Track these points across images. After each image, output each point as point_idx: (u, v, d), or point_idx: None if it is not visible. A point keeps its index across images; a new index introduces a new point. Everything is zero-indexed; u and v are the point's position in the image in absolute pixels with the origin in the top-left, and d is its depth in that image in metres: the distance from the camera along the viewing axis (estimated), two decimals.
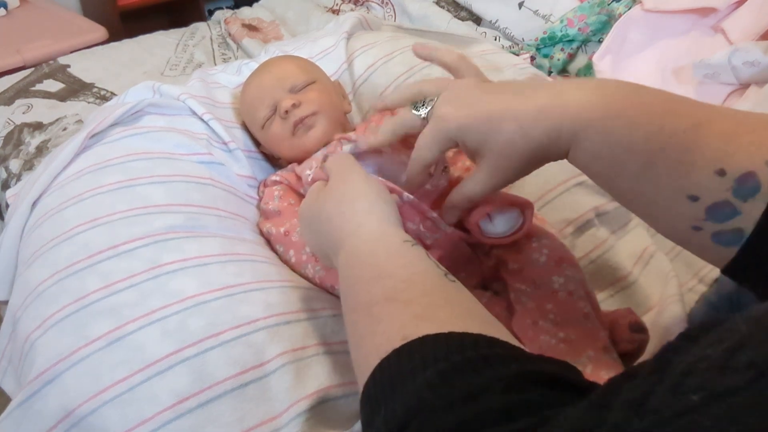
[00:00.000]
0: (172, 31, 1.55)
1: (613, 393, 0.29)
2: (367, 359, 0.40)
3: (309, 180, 0.70)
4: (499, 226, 0.61)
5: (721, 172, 0.41)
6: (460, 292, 0.44)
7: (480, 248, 0.66)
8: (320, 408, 0.56)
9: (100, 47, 1.52)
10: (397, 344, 0.38)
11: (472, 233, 0.61)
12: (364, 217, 0.51)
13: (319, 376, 0.57)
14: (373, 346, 0.40)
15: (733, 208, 0.41)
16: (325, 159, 0.71)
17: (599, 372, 0.53)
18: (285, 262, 0.72)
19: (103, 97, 1.23)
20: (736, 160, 0.41)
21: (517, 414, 0.31)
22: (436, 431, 0.32)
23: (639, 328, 0.61)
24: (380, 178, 0.59)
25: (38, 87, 1.27)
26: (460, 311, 0.41)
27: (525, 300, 0.61)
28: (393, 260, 0.46)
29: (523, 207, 0.61)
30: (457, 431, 0.32)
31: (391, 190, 0.59)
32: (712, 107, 0.45)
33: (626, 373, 0.32)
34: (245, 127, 0.88)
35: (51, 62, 1.37)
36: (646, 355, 0.62)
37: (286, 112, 0.79)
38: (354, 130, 0.86)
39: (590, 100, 0.48)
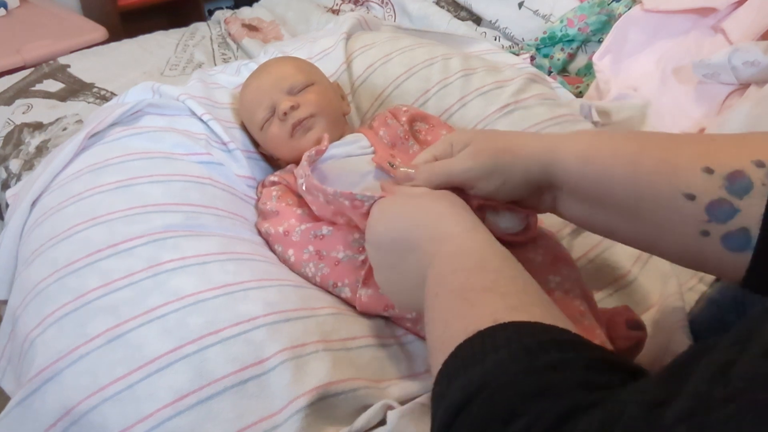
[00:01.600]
0: (172, 31, 1.55)
1: (687, 365, 0.30)
2: (452, 338, 0.40)
3: (303, 188, 0.70)
4: (504, 222, 0.61)
5: (708, 170, 0.43)
6: (552, 303, 0.45)
7: None
8: (319, 405, 0.56)
9: (100, 47, 1.53)
10: (487, 325, 0.38)
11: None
12: (470, 223, 0.51)
13: (318, 373, 0.57)
14: (461, 326, 0.40)
15: (731, 206, 0.42)
16: (311, 162, 0.71)
17: None
18: (284, 261, 0.72)
19: (103, 97, 1.23)
20: (720, 159, 0.43)
21: (596, 387, 0.32)
22: (515, 393, 0.33)
23: (636, 325, 0.61)
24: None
25: (38, 87, 1.27)
26: (553, 312, 0.41)
27: None
28: (499, 260, 0.46)
29: (528, 213, 0.61)
30: (537, 395, 0.32)
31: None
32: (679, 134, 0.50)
33: (698, 347, 0.32)
34: (244, 128, 0.88)
35: (51, 62, 1.37)
36: (645, 354, 0.62)
37: (285, 113, 0.79)
38: (353, 131, 0.86)
39: (566, 134, 0.54)
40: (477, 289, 0.43)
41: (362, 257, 0.67)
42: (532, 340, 0.36)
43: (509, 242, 0.62)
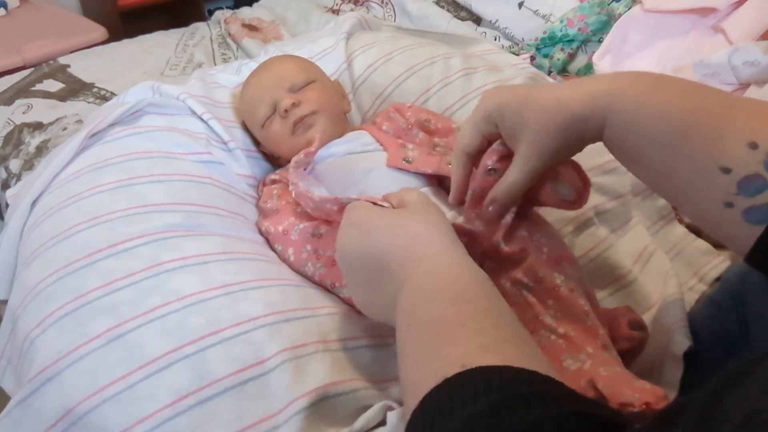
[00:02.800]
0: (172, 31, 1.55)
1: (670, 421, 0.29)
2: (422, 381, 0.39)
3: (294, 195, 0.70)
4: (563, 189, 0.60)
5: (753, 145, 0.43)
6: (527, 334, 0.44)
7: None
8: (319, 405, 0.56)
9: (100, 47, 1.53)
10: (455, 371, 0.37)
11: (541, 196, 0.61)
12: (447, 242, 0.50)
13: (319, 374, 0.57)
14: (430, 370, 0.39)
15: (764, 181, 0.42)
16: (298, 166, 0.71)
17: (598, 368, 0.53)
18: (284, 260, 0.72)
19: (103, 97, 1.23)
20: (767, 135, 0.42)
21: None
22: None
23: (638, 326, 0.61)
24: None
25: (38, 87, 1.27)
26: (525, 351, 0.41)
27: (526, 293, 0.61)
28: (474, 289, 0.46)
29: (586, 184, 0.60)
30: None
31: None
32: (732, 96, 0.47)
33: (661, 418, 0.31)
34: (245, 127, 0.88)
35: (51, 62, 1.37)
36: (645, 354, 0.62)
37: (286, 111, 0.79)
38: (354, 129, 0.86)
39: (624, 78, 0.50)
40: (450, 323, 0.42)
41: None
42: (500, 396, 0.34)
43: (559, 207, 0.62)
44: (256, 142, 0.87)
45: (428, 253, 0.48)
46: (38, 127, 1.13)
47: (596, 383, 0.51)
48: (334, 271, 0.68)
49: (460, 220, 0.70)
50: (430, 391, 0.37)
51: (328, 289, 0.69)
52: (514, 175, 0.55)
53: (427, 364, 0.40)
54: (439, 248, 0.49)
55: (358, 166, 0.77)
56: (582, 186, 0.60)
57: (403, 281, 0.48)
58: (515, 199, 0.59)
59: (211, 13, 2.03)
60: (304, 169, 0.73)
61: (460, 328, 0.41)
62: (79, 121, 1.13)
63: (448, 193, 0.79)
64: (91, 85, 1.27)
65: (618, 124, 0.48)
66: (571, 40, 1.26)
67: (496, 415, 0.33)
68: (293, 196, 0.69)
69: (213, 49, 1.47)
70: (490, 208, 0.60)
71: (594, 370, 0.53)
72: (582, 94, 0.50)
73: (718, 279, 0.74)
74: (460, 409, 0.35)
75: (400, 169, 0.76)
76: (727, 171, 0.44)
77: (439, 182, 0.80)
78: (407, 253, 0.49)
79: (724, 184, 0.44)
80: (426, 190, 0.76)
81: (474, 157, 0.60)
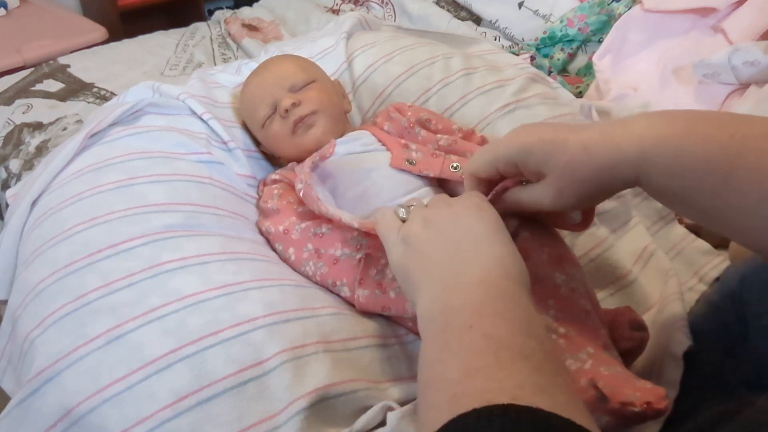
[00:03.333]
0: (172, 31, 1.55)
1: None
2: (465, 394, 0.38)
3: (300, 194, 0.70)
4: (576, 214, 0.61)
5: None
6: (575, 388, 0.43)
7: None
8: (319, 406, 0.56)
9: (100, 47, 1.53)
10: (505, 401, 0.36)
11: (551, 220, 0.62)
12: (517, 266, 0.49)
13: (318, 375, 0.57)
14: (477, 387, 0.39)
15: None
16: (314, 167, 0.71)
17: (598, 368, 0.53)
18: (285, 260, 0.72)
19: (103, 97, 1.23)
20: None
21: None
22: None
23: (639, 327, 0.61)
24: None
25: (38, 87, 1.27)
26: (575, 402, 0.39)
27: None
28: (541, 330, 0.45)
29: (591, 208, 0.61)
30: None
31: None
32: None
33: None
34: (245, 127, 0.88)
35: (51, 62, 1.37)
36: (645, 354, 0.62)
37: (286, 111, 0.79)
38: (354, 129, 0.86)
39: (652, 121, 0.48)
40: (514, 349, 0.41)
41: (359, 255, 0.67)
42: None
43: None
44: (256, 142, 0.87)
45: (510, 276, 0.48)
46: (38, 127, 1.13)
47: (597, 383, 0.51)
48: (336, 269, 0.68)
49: None
50: (473, 411, 0.37)
51: (329, 289, 0.69)
52: (529, 196, 0.54)
53: (479, 379, 0.39)
54: (517, 279, 0.48)
55: (359, 167, 0.77)
56: (588, 209, 0.60)
57: (483, 279, 0.47)
58: (516, 211, 0.58)
59: (211, 13, 2.03)
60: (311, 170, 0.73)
61: (522, 360, 0.40)
62: (79, 121, 1.13)
63: (449, 194, 0.80)
64: (91, 85, 1.27)
65: (656, 176, 0.47)
66: (571, 40, 1.26)
67: None
68: (300, 194, 0.69)
69: (213, 49, 1.47)
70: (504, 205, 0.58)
71: (595, 369, 0.53)
72: (610, 145, 0.48)
73: (717, 279, 0.74)
74: None
75: (402, 170, 0.76)
76: None
77: (439, 183, 0.80)
78: (500, 261, 0.48)
79: None
80: (427, 190, 0.76)
81: (482, 184, 0.58)
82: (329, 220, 0.70)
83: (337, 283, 0.68)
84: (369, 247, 0.67)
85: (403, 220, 0.57)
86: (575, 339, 0.56)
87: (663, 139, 0.46)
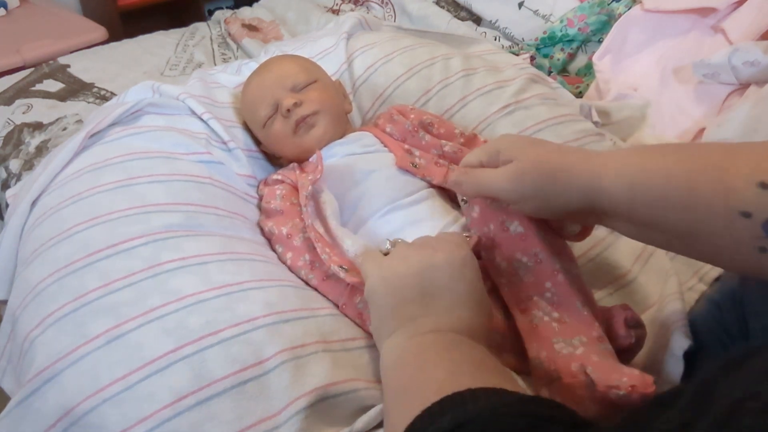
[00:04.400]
0: (172, 31, 1.55)
1: (644, 422, 0.29)
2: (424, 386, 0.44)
3: (303, 202, 0.70)
4: (571, 224, 0.63)
5: (764, 185, 0.42)
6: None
7: None
8: (319, 406, 0.56)
9: (100, 47, 1.52)
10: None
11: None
12: (482, 332, 0.54)
13: (318, 374, 0.57)
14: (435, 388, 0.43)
15: None
16: (309, 198, 0.72)
17: (590, 356, 0.54)
18: (283, 262, 0.72)
19: (103, 97, 1.23)
20: None
21: None
22: None
23: (636, 324, 0.61)
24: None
25: (38, 87, 1.27)
26: (485, 377, 0.45)
27: (523, 273, 0.61)
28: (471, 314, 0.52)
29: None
30: None
31: None
32: (733, 143, 0.48)
33: (657, 401, 0.31)
34: (245, 127, 0.88)
35: (51, 62, 1.37)
36: (645, 353, 0.62)
37: (288, 110, 0.79)
38: (354, 130, 0.86)
39: (613, 157, 0.52)
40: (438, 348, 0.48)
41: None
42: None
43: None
44: (257, 142, 0.87)
45: (473, 337, 0.52)
46: (38, 127, 1.13)
47: (586, 368, 0.52)
48: (324, 286, 0.68)
49: (461, 220, 0.70)
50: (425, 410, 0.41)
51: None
52: (488, 176, 0.57)
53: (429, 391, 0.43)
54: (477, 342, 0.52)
55: (359, 168, 0.77)
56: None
57: (441, 328, 0.52)
58: (474, 193, 0.61)
59: (211, 13, 2.03)
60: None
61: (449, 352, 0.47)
62: (79, 121, 1.13)
63: (450, 200, 0.80)
64: (91, 85, 1.27)
65: (620, 203, 0.50)
66: (571, 40, 1.26)
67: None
68: (308, 233, 0.70)
69: (213, 49, 1.47)
70: (453, 181, 0.62)
71: (586, 355, 0.53)
72: (574, 182, 0.52)
73: (718, 279, 0.74)
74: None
75: (406, 171, 0.76)
76: (747, 215, 0.43)
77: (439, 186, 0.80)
78: (468, 324, 0.53)
79: (749, 229, 0.43)
80: (429, 192, 0.76)
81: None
82: (330, 236, 0.71)
83: (325, 296, 0.68)
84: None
85: (386, 253, 0.59)
86: (568, 325, 0.57)
87: (620, 169, 0.50)
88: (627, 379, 0.49)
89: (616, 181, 0.50)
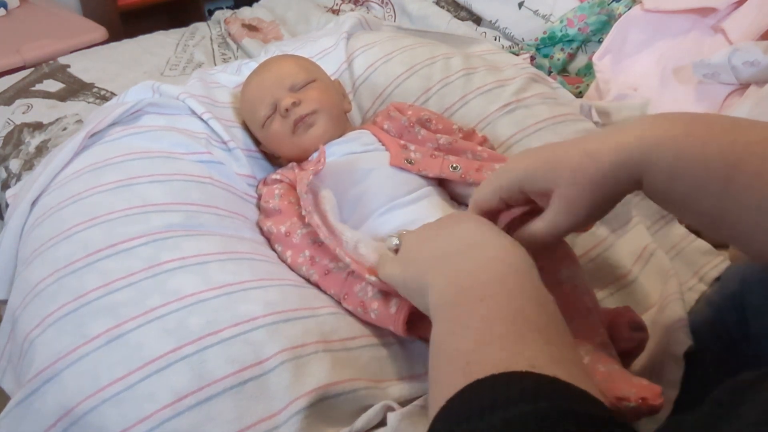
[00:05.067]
0: (172, 31, 1.55)
1: None
2: (483, 359, 0.38)
3: (304, 196, 0.70)
4: None
5: None
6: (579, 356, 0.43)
7: None
8: (319, 406, 0.56)
9: (100, 47, 1.52)
10: (521, 368, 0.37)
11: None
12: (521, 253, 0.49)
13: (318, 374, 0.57)
14: (497, 355, 0.38)
15: None
16: (310, 186, 0.71)
17: (596, 365, 0.53)
18: (283, 260, 0.72)
19: (103, 97, 1.23)
20: None
21: None
22: None
23: (638, 327, 0.61)
24: None
25: (38, 87, 1.27)
26: (586, 375, 0.40)
27: None
28: (552, 305, 0.45)
29: None
30: None
31: None
32: None
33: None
34: (245, 127, 0.88)
35: (51, 62, 1.37)
36: (645, 354, 0.62)
37: (287, 110, 0.79)
38: (354, 128, 0.86)
39: (653, 123, 0.48)
40: (529, 322, 0.41)
41: (347, 270, 0.67)
42: (553, 405, 0.34)
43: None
44: (256, 142, 0.87)
45: (516, 261, 0.47)
46: (38, 127, 1.13)
47: (593, 378, 0.51)
48: (326, 280, 0.68)
49: None
50: (490, 376, 0.36)
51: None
52: (542, 226, 0.53)
53: (494, 348, 0.39)
54: (524, 262, 0.48)
55: (359, 166, 0.77)
56: None
57: (490, 263, 0.47)
58: (537, 248, 0.55)
59: (211, 13, 2.03)
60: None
61: (536, 332, 0.40)
62: (79, 121, 1.13)
63: (449, 194, 0.80)
64: (91, 85, 1.27)
65: (659, 177, 0.46)
66: (571, 40, 1.26)
67: (543, 424, 0.33)
68: (307, 221, 0.70)
69: (213, 49, 1.47)
70: None
71: (592, 365, 0.53)
72: (611, 148, 0.48)
73: (718, 279, 0.74)
74: (513, 407, 0.34)
75: (402, 168, 0.76)
76: None
77: (439, 183, 0.80)
78: (503, 252, 0.48)
79: None
80: (428, 189, 0.76)
81: (488, 215, 0.57)
82: (330, 230, 0.71)
83: (326, 292, 0.68)
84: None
85: (396, 250, 0.58)
86: (574, 335, 0.56)
87: (662, 140, 0.46)
88: (636, 391, 0.49)
89: (656, 167, 0.46)
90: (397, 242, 0.59)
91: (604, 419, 0.34)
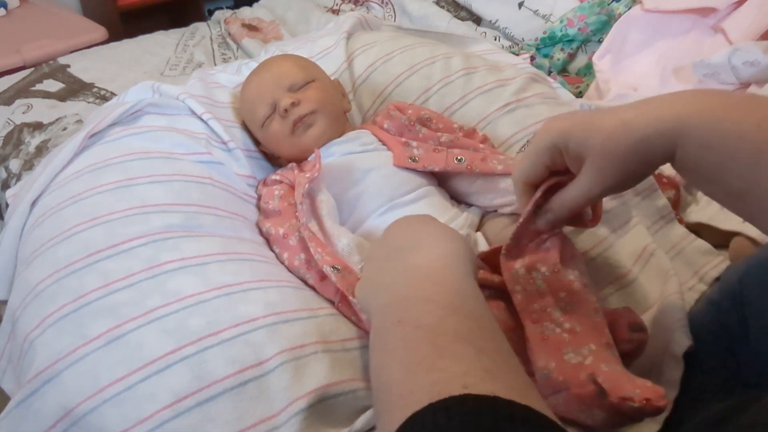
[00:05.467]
0: (172, 31, 1.55)
1: None
2: (414, 391, 0.36)
3: (299, 199, 0.70)
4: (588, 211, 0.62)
5: None
6: (520, 365, 0.41)
7: None
8: (319, 406, 0.56)
9: (100, 47, 1.52)
10: (456, 391, 0.34)
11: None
12: (453, 250, 0.49)
13: (318, 375, 0.57)
14: (425, 381, 0.36)
15: None
16: (305, 195, 0.72)
17: (599, 364, 0.53)
18: (281, 262, 0.72)
19: (103, 97, 1.23)
20: None
21: None
22: None
23: (638, 328, 0.61)
24: None
25: (38, 87, 1.27)
26: (523, 382, 0.38)
27: (540, 282, 0.60)
28: (476, 304, 0.43)
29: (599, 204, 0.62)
30: None
31: None
32: None
33: None
34: (245, 127, 0.88)
35: (51, 62, 1.37)
36: (645, 354, 0.62)
37: (286, 110, 0.79)
38: (353, 128, 0.86)
39: (687, 96, 0.49)
40: (451, 334, 0.39)
41: None
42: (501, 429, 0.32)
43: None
44: (256, 142, 0.87)
45: (434, 254, 0.48)
46: (38, 127, 1.13)
47: (597, 377, 0.51)
48: (322, 286, 0.68)
49: (461, 217, 0.70)
50: (428, 407, 0.34)
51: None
52: (574, 192, 0.54)
53: (422, 373, 0.37)
54: (445, 254, 0.48)
55: (357, 166, 0.77)
56: (599, 205, 0.61)
57: (410, 270, 0.46)
58: (568, 214, 0.57)
59: (211, 13, 2.03)
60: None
61: (462, 343, 0.39)
62: (79, 121, 1.13)
63: (449, 193, 0.80)
64: (91, 85, 1.27)
65: (693, 146, 0.47)
66: (571, 40, 1.26)
67: None
68: (302, 232, 0.70)
69: (213, 49, 1.47)
70: (543, 219, 0.59)
71: (595, 365, 0.53)
72: (648, 117, 0.48)
73: (718, 279, 0.74)
74: None
75: (406, 168, 0.76)
76: None
77: (440, 182, 0.80)
78: (417, 242, 0.49)
79: None
80: (427, 189, 0.76)
81: (535, 187, 0.58)
82: (325, 236, 0.71)
83: (322, 295, 0.68)
84: None
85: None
86: (579, 334, 0.56)
87: (701, 111, 0.46)
88: (640, 392, 0.49)
89: (691, 136, 0.47)
90: (361, 266, 0.60)
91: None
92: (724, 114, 0.46)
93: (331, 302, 0.67)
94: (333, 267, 0.64)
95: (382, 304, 0.46)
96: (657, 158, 0.49)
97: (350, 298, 0.61)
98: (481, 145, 0.81)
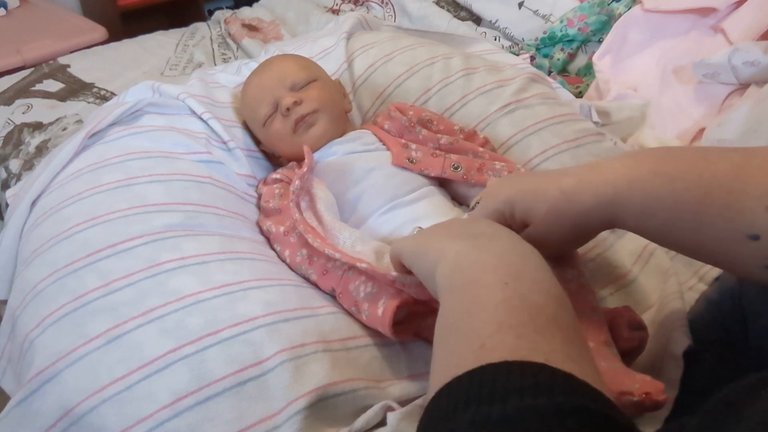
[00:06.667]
0: (172, 31, 1.55)
1: None
2: (498, 344, 0.37)
3: (291, 197, 0.70)
4: None
5: None
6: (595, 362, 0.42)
7: None
8: (318, 406, 0.56)
9: (100, 47, 1.52)
10: (538, 360, 0.36)
11: None
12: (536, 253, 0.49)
13: (318, 374, 0.57)
14: (514, 343, 0.37)
15: None
16: (298, 196, 0.71)
17: (599, 362, 0.53)
18: (282, 260, 0.72)
19: (103, 97, 1.23)
20: None
21: None
22: None
23: (638, 326, 0.61)
24: None
25: (38, 87, 1.27)
26: (597, 375, 0.39)
27: None
28: (566, 299, 0.44)
29: None
30: None
31: None
32: (745, 149, 0.47)
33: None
34: (245, 126, 0.88)
35: (51, 62, 1.37)
36: (645, 354, 0.62)
37: (288, 109, 0.79)
38: (354, 128, 0.86)
39: (624, 164, 0.50)
40: (549, 316, 0.40)
41: (343, 268, 0.67)
42: (568, 401, 0.33)
43: None
44: (257, 142, 0.87)
45: (535, 255, 0.47)
46: (38, 127, 1.13)
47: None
48: (324, 279, 0.68)
49: (463, 218, 0.70)
50: (504, 363, 0.35)
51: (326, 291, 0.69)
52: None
53: (511, 336, 0.38)
54: (543, 262, 0.48)
55: (359, 166, 0.77)
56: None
57: (511, 248, 0.47)
58: None
59: (211, 13, 2.03)
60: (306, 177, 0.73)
61: (556, 328, 0.39)
62: (79, 121, 1.13)
63: (450, 194, 0.80)
64: (91, 85, 1.27)
65: (632, 215, 0.50)
66: (571, 40, 1.26)
67: (558, 418, 0.32)
68: (298, 228, 0.70)
69: (213, 49, 1.47)
70: None
71: (596, 362, 0.53)
72: (587, 190, 0.51)
73: (717, 278, 0.74)
74: (528, 396, 0.33)
75: (403, 168, 0.76)
76: (755, 238, 0.43)
77: (440, 182, 0.80)
78: (495, 233, 0.50)
79: (758, 249, 0.44)
80: (429, 189, 0.76)
81: None
82: (325, 230, 0.71)
83: (324, 290, 0.68)
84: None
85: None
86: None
87: (632, 183, 0.49)
88: (639, 386, 0.49)
89: (628, 209, 0.50)
90: (419, 228, 0.60)
91: (620, 423, 0.34)
92: (655, 182, 0.48)
93: (335, 301, 0.67)
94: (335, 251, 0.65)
95: (480, 260, 0.45)
96: (596, 227, 0.53)
97: (361, 264, 0.61)
98: (481, 149, 0.81)
